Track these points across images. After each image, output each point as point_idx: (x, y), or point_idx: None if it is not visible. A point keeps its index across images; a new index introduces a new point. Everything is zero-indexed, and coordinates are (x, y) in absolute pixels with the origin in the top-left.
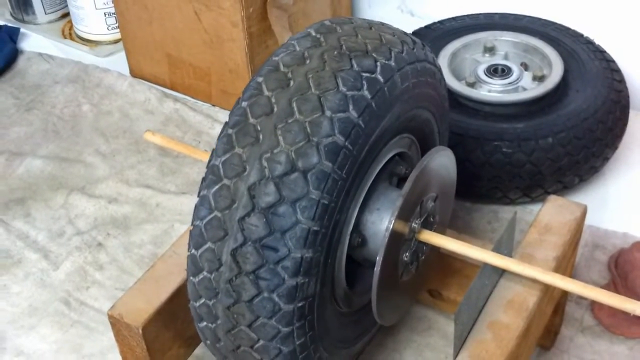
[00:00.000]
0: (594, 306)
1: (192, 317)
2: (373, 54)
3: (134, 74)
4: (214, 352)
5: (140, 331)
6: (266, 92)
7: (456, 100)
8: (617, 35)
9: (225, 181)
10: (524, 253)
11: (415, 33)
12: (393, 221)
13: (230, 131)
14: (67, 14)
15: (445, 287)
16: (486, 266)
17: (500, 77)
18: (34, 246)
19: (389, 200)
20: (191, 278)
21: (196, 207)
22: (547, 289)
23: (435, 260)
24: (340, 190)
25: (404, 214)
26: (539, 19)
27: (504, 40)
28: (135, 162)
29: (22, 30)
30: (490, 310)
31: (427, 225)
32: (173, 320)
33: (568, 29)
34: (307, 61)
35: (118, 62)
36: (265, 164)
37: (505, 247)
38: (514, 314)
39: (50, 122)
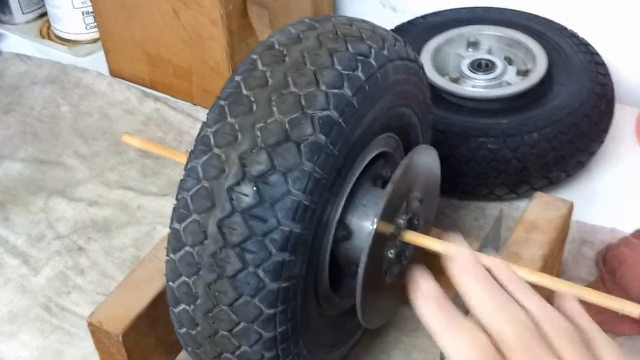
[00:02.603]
0: (582, 303)
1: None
2: (367, 41)
3: (114, 73)
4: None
5: (121, 339)
6: (261, 67)
7: (440, 96)
8: (601, 28)
9: (216, 150)
10: (510, 251)
11: (397, 28)
12: (380, 213)
13: (222, 102)
14: (45, 14)
15: None
16: None
17: (484, 72)
18: (14, 251)
19: (374, 197)
20: (172, 256)
21: (182, 180)
22: (534, 287)
23: (420, 262)
24: (332, 168)
25: (390, 211)
26: (522, 12)
27: (487, 34)
28: (115, 163)
29: None
30: None
31: (411, 226)
32: (154, 326)
33: (552, 22)
34: (303, 41)
35: (97, 61)
36: (258, 132)
37: (491, 245)
38: None
39: (28, 124)
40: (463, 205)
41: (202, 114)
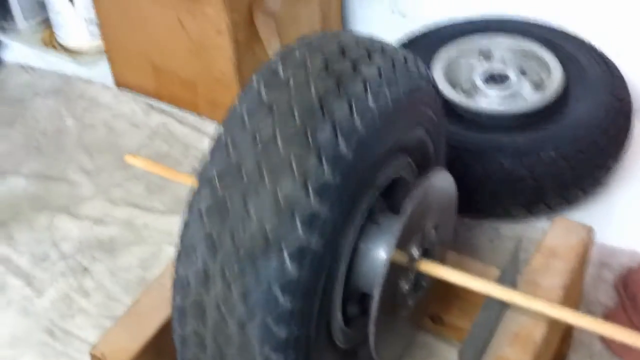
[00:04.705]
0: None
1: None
2: (358, 78)
3: (119, 83)
4: None
5: None
6: (232, 154)
7: (453, 110)
8: (619, 39)
9: (199, 262)
10: (529, 280)
11: (407, 37)
12: (390, 252)
13: (200, 207)
14: (48, 20)
15: (446, 312)
16: (490, 299)
17: (498, 86)
18: (17, 271)
19: (385, 228)
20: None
21: (172, 285)
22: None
23: (434, 289)
24: (322, 267)
25: (402, 243)
26: (537, 22)
27: (501, 44)
28: (121, 179)
29: (1, 39)
30: (496, 345)
31: (427, 254)
32: (159, 357)
33: (567, 33)
34: (274, 106)
35: (102, 71)
36: (234, 242)
37: (509, 277)
38: (520, 348)
39: (32, 138)
40: (477, 225)
41: (208, 127)
